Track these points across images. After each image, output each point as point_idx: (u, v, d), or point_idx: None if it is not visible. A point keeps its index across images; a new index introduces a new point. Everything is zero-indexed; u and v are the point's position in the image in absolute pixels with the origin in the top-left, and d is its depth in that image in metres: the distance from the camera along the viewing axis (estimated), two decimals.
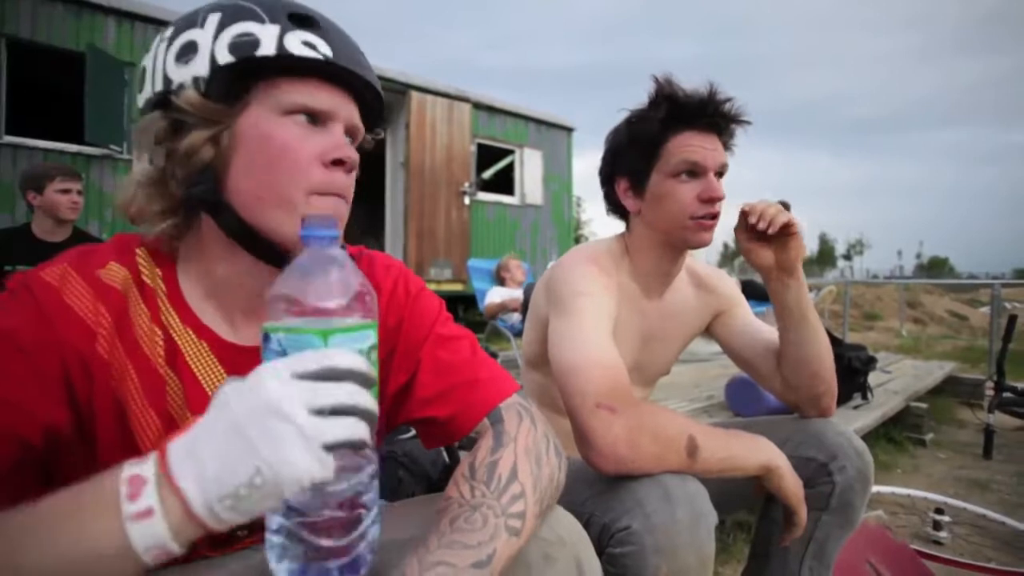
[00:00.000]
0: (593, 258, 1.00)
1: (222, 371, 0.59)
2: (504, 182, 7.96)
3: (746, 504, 1.10)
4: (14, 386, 0.49)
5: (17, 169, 4.23)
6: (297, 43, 0.54)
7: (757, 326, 1.12)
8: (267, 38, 0.53)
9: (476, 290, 4.27)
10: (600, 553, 0.63)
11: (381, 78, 0.63)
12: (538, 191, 8.11)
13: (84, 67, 4.52)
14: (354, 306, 0.44)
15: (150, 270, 0.58)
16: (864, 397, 2.51)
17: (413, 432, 1.20)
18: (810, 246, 5.54)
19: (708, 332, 1.17)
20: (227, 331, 0.60)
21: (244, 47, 0.53)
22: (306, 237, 0.45)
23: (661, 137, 0.96)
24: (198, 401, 0.57)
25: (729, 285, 1.15)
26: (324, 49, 0.55)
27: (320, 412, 0.38)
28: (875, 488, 2.06)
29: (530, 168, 8.01)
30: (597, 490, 0.78)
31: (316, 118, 0.57)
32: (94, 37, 4.76)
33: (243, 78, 0.54)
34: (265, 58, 0.53)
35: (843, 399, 2.44)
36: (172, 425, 0.56)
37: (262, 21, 0.54)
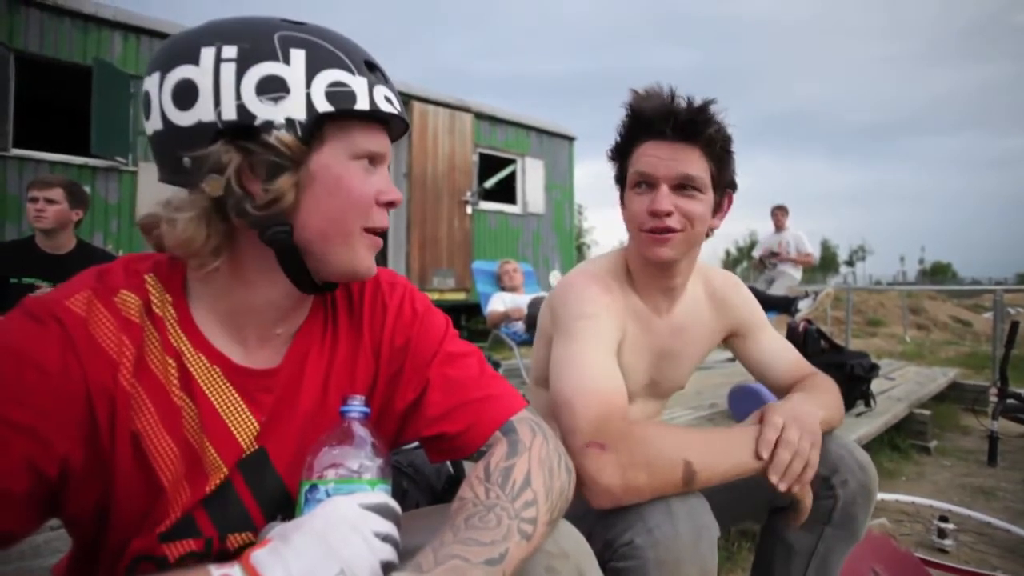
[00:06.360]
0: (597, 277, 0.99)
1: (235, 395, 0.60)
2: (506, 191, 8.00)
3: (752, 515, 1.10)
4: (37, 415, 0.49)
5: (24, 181, 4.27)
6: (382, 98, 0.58)
7: (775, 356, 1.09)
8: (361, 92, 0.56)
9: (480, 294, 4.25)
10: (603, 567, 0.64)
11: None
12: (540, 200, 8.14)
13: (91, 80, 4.58)
14: (385, 471, 0.58)
15: (160, 297, 0.58)
16: (867, 404, 2.51)
17: (417, 443, 1.20)
18: (813, 253, 5.53)
19: (726, 346, 1.15)
20: (239, 354, 0.61)
21: (343, 98, 0.55)
22: (345, 412, 0.58)
23: (626, 148, 0.96)
24: (214, 426, 0.58)
25: (748, 303, 1.11)
26: (397, 104, 0.60)
27: (377, 536, 0.49)
28: (879, 496, 2.05)
29: (532, 177, 8.04)
30: (600, 508, 0.77)
31: (372, 161, 0.60)
32: (101, 51, 4.82)
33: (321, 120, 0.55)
34: (359, 112, 0.56)
35: (846, 406, 2.43)
36: (189, 451, 0.56)
37: (351, 71, 0.56)
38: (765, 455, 0.80)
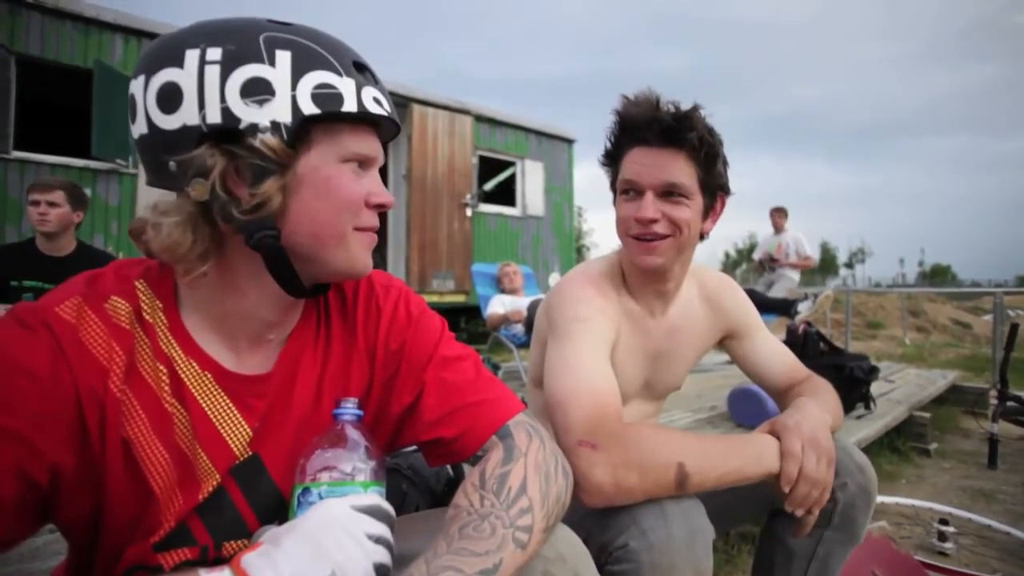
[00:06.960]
0: (592, 280, 0.99)
1: (227, 401, 0.59)
2: (506, 193, 8.01)
3: (751, 517, 1.11)
4: (27, 422, 0.48)
5: (25, 183, 4.27)
6: (370, 100, 0.57)
7: (770, 358, 1.10)
8: (348, 94, 0.55)
9: (480, 296, 4.26)
10: (599, 571, 0.63)
11: None
12: (539, 202, 8.15)
13: (92, 83, 4.58)
14: (379, 473, 0.58)
15: (150, 303, 0.58)
16: (867, 407, 2.50)
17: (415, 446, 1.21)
18: (813, 255, 5.54)
19: (721, 348, 1.16)
20: (231, 360, 0.60)
21: (329, 100, 0.54)
22: (338, 414, 0.58)
23: (615, 154, 0.97)
24: (205, 433, 0.57)
25: (742, 305, 1.12)
26: (387, 106, 0.59)
27: (370, 538, 0.49)
28: (879, 498, 2.05)
29: (531, 179, 8.06)
30: (593, 508, 0.78)
31: (362, 163, 0.59)
32: (101, 53, 4.83)
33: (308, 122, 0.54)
34: (348, 114, 0.55)
35: (846, 409, 2.44)
36: (181, 458, 0.56)
37: (338, 73, 0.55)
38: (787, 489, 0.80)
